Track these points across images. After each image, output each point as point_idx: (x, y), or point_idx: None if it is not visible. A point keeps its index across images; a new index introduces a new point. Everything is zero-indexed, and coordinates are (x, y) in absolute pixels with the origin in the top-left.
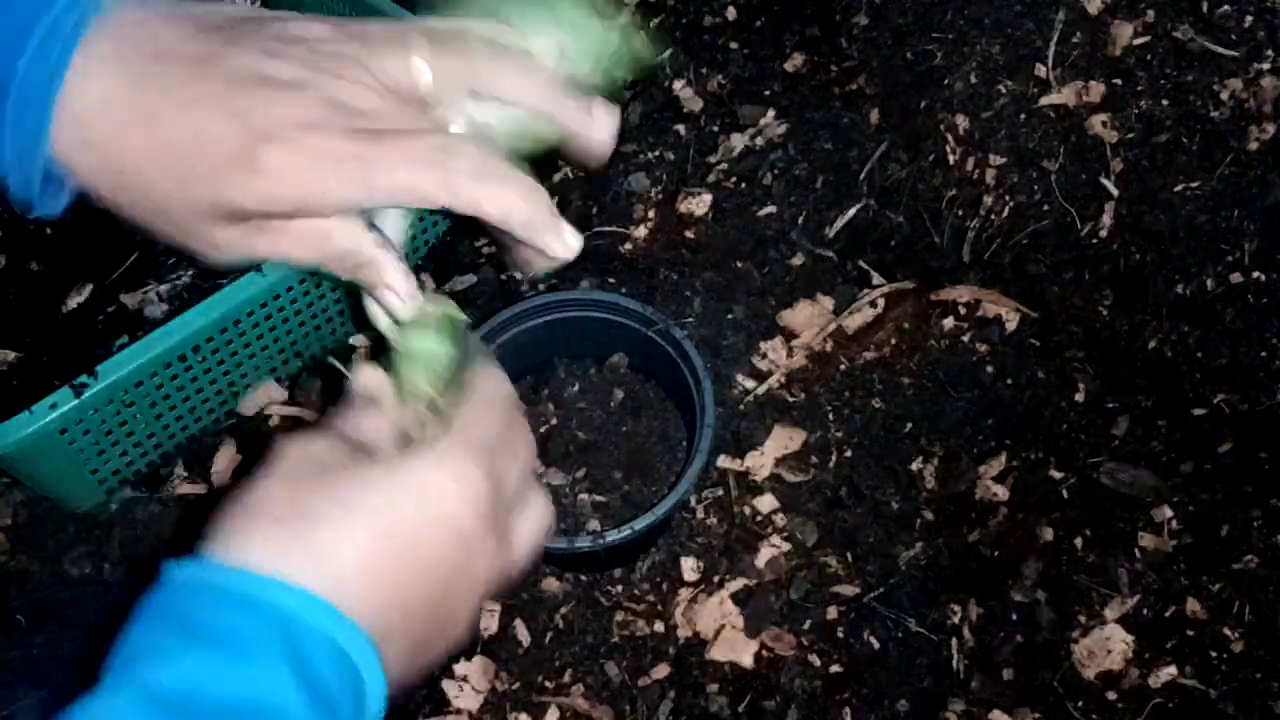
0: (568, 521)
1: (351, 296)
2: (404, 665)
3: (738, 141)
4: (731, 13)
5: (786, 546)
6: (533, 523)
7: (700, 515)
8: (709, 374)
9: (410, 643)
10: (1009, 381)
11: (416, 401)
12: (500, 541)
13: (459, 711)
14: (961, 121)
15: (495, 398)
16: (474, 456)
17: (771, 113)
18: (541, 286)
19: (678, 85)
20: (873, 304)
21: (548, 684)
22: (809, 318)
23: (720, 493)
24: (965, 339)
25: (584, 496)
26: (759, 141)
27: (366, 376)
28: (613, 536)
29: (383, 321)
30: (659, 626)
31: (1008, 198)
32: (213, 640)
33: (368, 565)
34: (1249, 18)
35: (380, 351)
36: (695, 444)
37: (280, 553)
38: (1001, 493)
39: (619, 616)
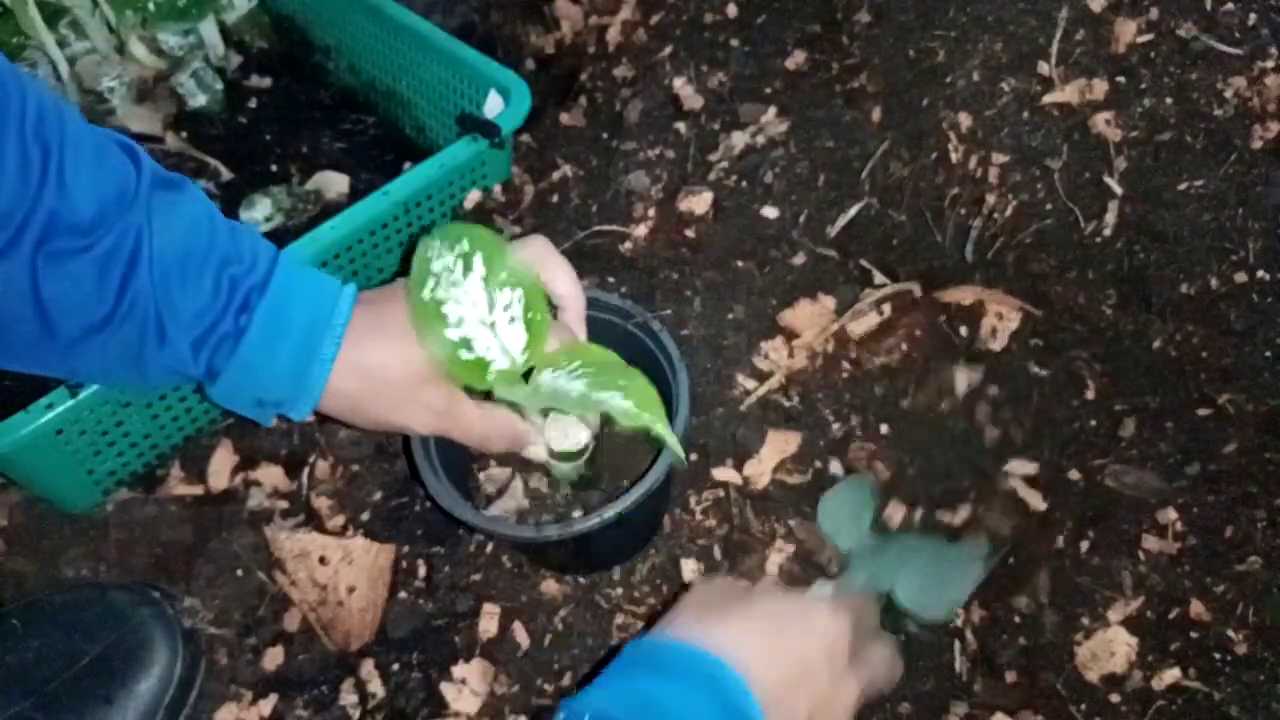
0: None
1: None
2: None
3: (739, 140)
4: (732, 10)
5: (787, 548)
6: (877, 665)
7: (700, 517)
8: (684, 364)
9: (782, 711)
10: (1011, 382)
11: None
12: (850, 665)
13: (457, 714)
14: (964, 119)
15: (868, 604)
16: (847, 613)
17: (773, 110)
18: None
19: (678, 83)
20: (874, 304)
21: (547, 686)
22: (810, 317)
23: (720, 494)
24: (967, 339)
25: (567, 491)
26: (760, 140)
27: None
28: (579, 525)
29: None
30: None
31: (1011, 196)
32: (669, 674)
33: (758, 650)
34: (1253, 15)
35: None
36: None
37: (705, 635)
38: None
39: (619, 619)
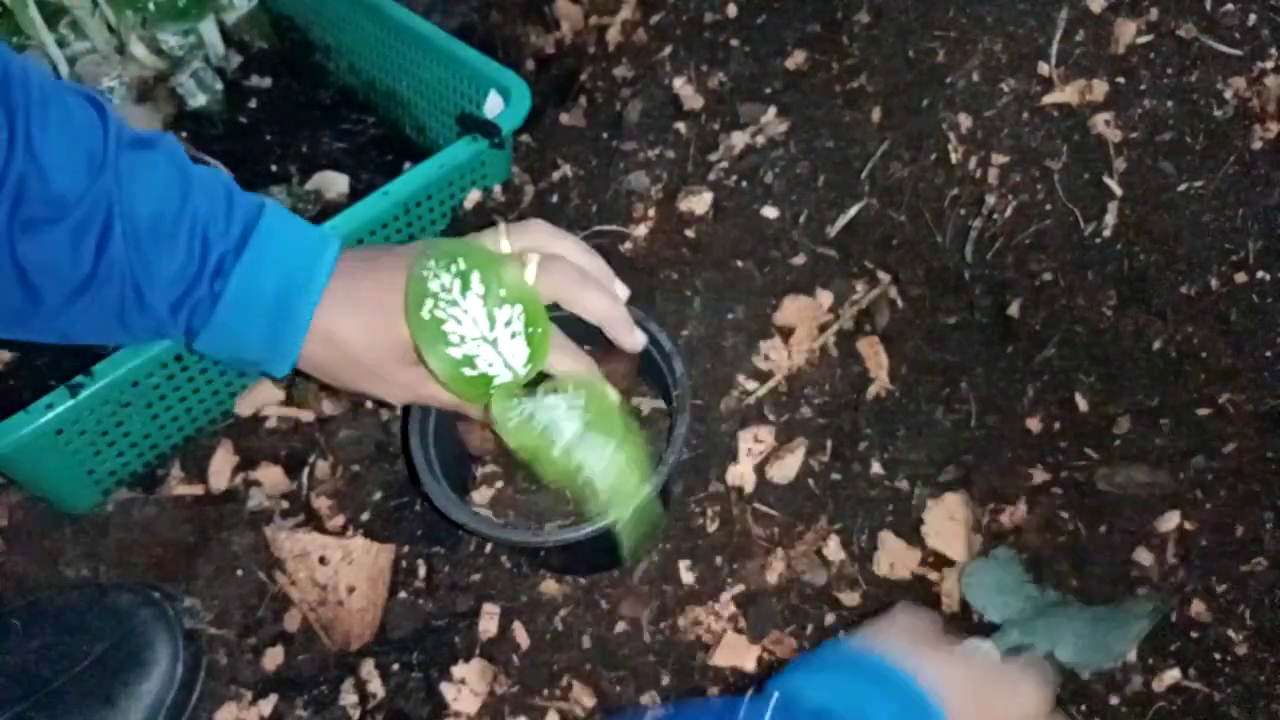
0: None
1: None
2: None
3: (739, 140)
4: (732, 10)
5: (788, 550)
6: None
7: (700, 519)
8: (681, 355)
9: None
10: (1010, 383)
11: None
12: None
13: (457, 715)
14: (964, 120)
15: (1048, 683)
16: (1048, 686)
17: (773, 111)
18: None
19: (678, 83)
20: (875, 303)
21: (546, 687)
22: (811, 318)
23: (720, 495)
24: (966, 339)
25: (567, 493)
26: (760, 140)
27: None
28: (564, 534)
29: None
30: (660, 630)
31: (1010, 197)
32: (882, 687)
33: (965, 700)
34: (1253, 16)
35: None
36: (673, 429)
37: (917, 668)
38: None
39: (619, 621)
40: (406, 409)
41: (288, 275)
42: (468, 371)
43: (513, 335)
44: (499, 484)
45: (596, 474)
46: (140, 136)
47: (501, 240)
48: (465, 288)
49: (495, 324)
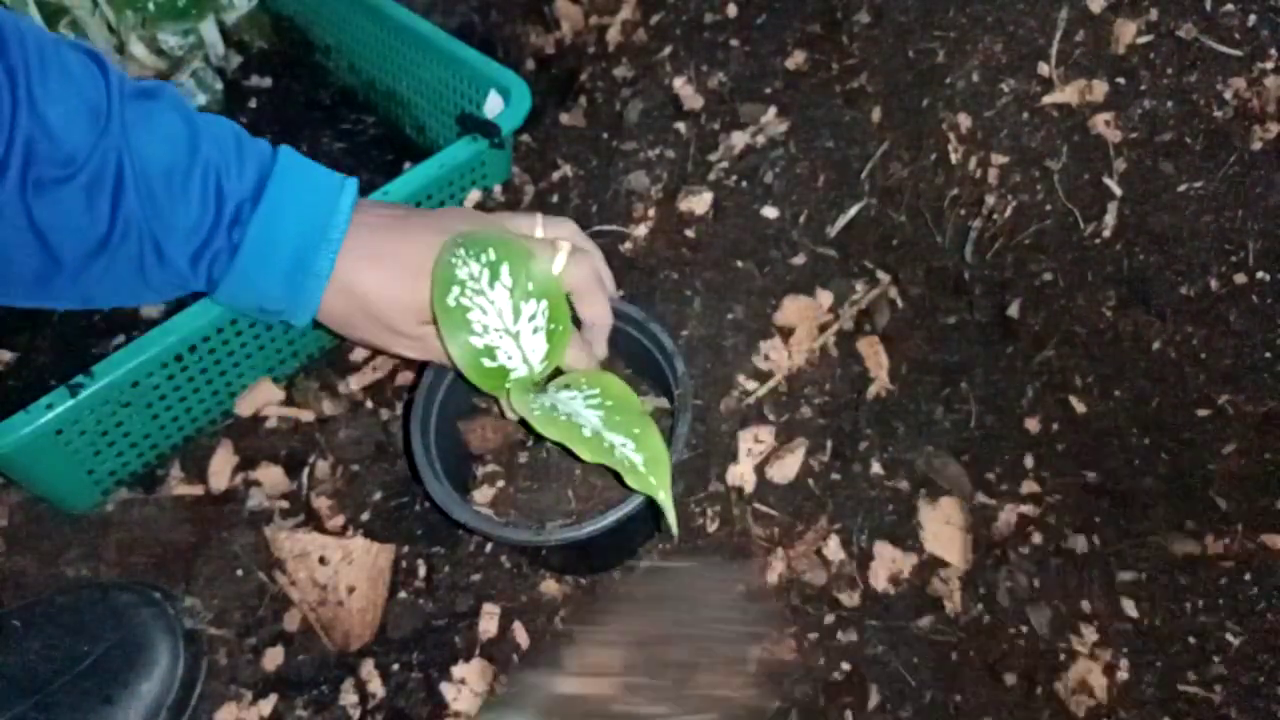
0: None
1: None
2: None
3: (738, 140)
4: (732, 10)
5: (788, 550)
6: None
7: (700, 519)
8: (682, 354)
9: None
10: (1010, 383)
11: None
12: None
13: (457, 714)
14: (964, 120)
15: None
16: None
17: (773, 111)
18: None
19: (678, 83)
20: (875, 303)
21: None
22: (811, 318)
23: (720, 495)
24: (966, 339)
25: (569, 493)
26: (760, 140)
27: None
28: (565, 533)
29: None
30: None
31: (1010, 197)
32: None
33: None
34: (1253, 16)
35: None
36: (674, 428)
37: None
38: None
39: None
40: (408, 408)
41: (306, 222)
42: (487, 362)
43: (535, 330)
44: (500, 483)
45: (629, 451)
46: (142, 87)
47: (536, 227)
48: (494, 278)
49: (520, 317)
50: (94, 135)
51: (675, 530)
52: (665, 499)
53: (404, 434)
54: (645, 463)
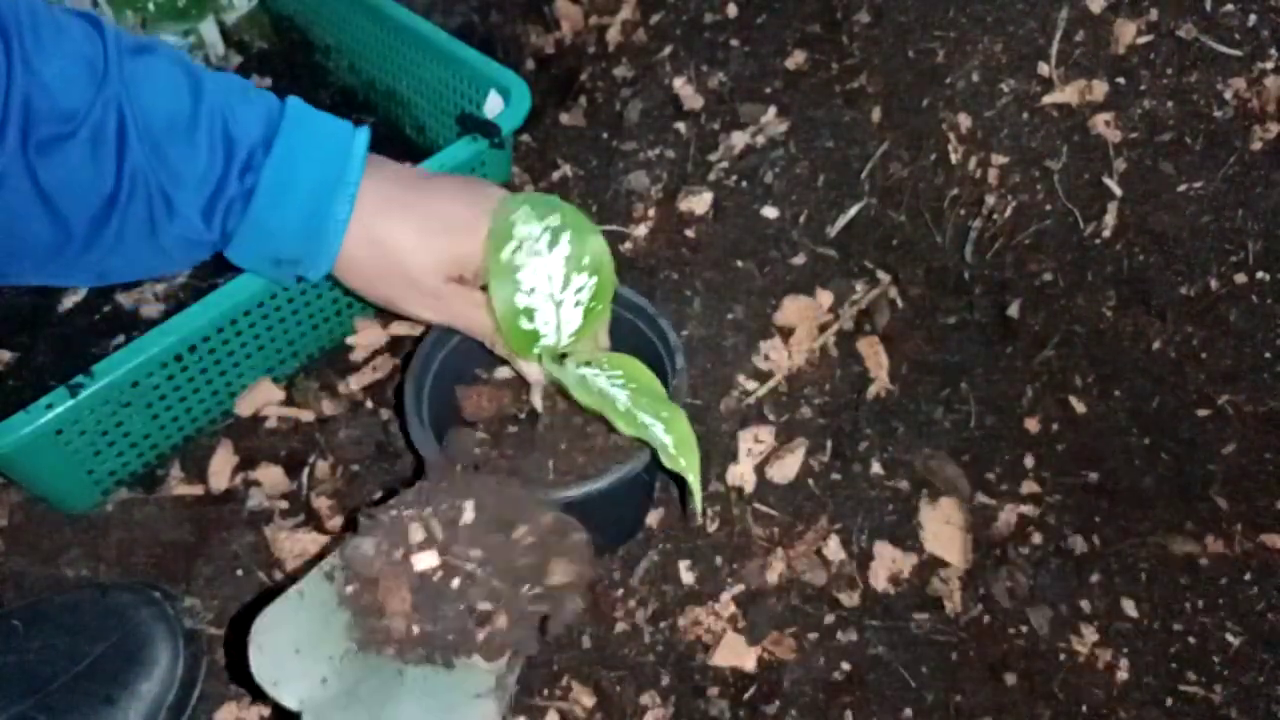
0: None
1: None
2: None
3: (739, 140)
4: (732, 10)
5: (788, 550)
6: None
7: (699, 519)
8: (683, 352)
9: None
10: (1010, 383)
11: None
12: None
13: None
14: (964, 120)
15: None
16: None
17: (773, 111)
18: None
19: (678, 83)
20: (875, 303)
21: (546, 687)
22: (811, 318)
23: (719, 495)
24: (966, 339)
25: (550, 464)
26: (760, 140)
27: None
28: (567, 490)
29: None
30: (660, 630)
31: (1010, 197)
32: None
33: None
34: (1253, 17)
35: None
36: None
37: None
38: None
39: (619, 621)
40: (406, 364)
41: (321, 166)
42: (524, 323)
43: (576, 304)
44: (485, 449)
45: (660, 433)
46: (140, 42)
47: None
48: (554, 243)
49: (569, 286)
50: (93, 89)
51: (700, 516)
52: (694, 481)
53: (397, 398)
54: (675, 445)
